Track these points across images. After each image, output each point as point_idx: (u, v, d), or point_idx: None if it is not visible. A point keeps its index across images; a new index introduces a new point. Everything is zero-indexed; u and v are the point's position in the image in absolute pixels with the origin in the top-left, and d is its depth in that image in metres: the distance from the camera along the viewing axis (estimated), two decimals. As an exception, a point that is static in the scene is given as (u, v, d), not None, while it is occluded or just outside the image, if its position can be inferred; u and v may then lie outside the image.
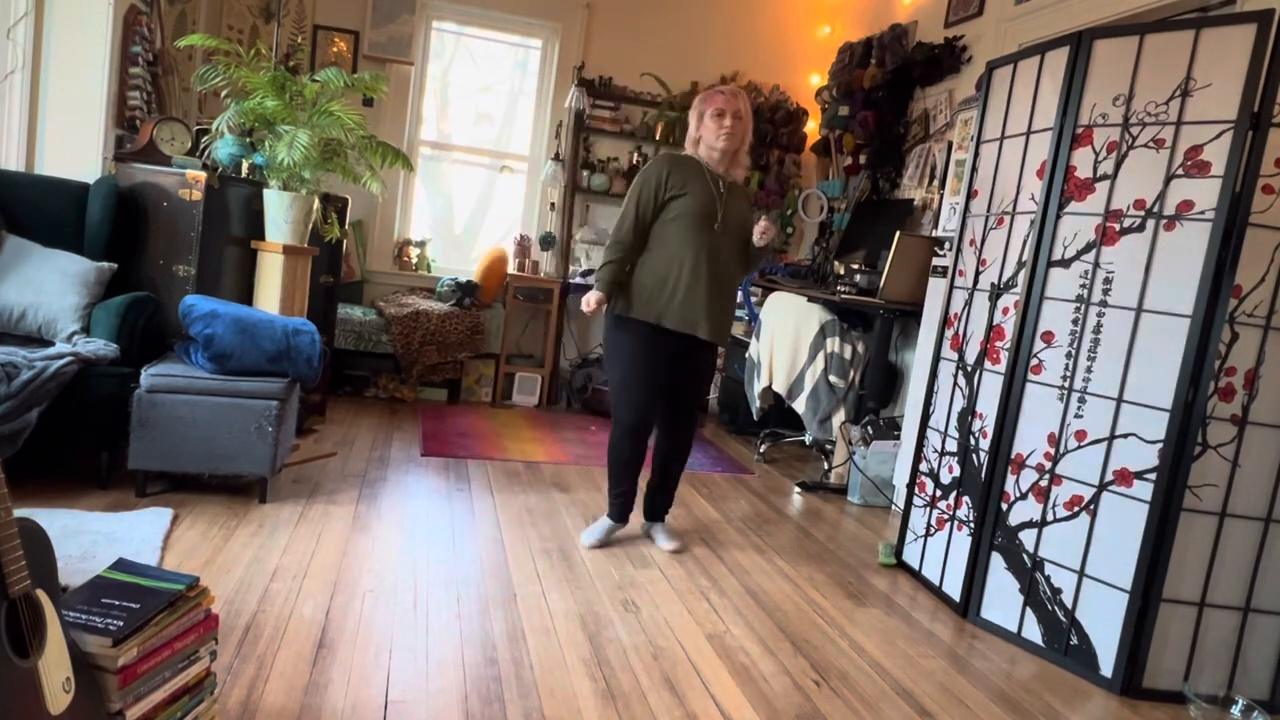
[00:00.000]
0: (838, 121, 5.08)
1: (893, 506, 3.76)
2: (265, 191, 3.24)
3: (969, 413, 2.78)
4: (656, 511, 3.05)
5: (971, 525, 2.72)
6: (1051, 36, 2.88)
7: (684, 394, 2.89)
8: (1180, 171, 2.27)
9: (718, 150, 2.75)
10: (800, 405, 4.17)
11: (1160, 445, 2.29)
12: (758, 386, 4.46)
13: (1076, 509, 2.45)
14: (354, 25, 5.06)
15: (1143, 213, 2.33)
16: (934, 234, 4.04)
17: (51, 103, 3.48)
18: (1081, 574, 2.43)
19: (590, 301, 2.76)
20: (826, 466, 4.10)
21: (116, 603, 1.39)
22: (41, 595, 1.22)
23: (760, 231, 2.77)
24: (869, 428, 3.85)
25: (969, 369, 2.80)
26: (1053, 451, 2.50)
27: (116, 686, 1.32)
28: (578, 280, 5.31)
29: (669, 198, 2.73)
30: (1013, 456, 2.60)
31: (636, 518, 3.08)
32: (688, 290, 2.71)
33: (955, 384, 2.87)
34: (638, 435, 2.84)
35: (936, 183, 4.33)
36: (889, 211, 4.63)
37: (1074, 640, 2.44)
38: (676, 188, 2.73)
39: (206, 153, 3.36)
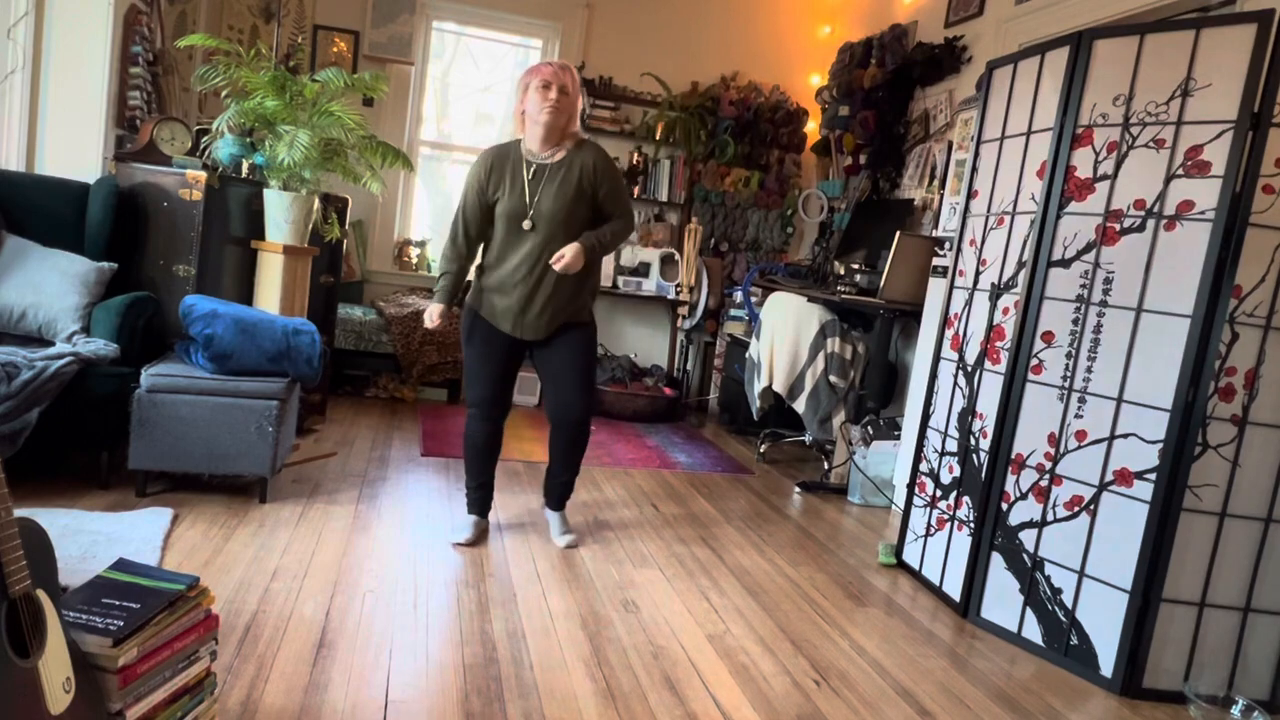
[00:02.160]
0: (838, 121, 5.08)
1: (893, 506, 3.76)
2: (265, 191, 3.24)
3: (969, 413, 2.78)
4: (552, 499, 2.98)
5: (972, 525, 2.72)
6: (1051, 36, 2.89)
7: (551, 386, 2.79)
8: (1180, 171, 2.27)
9: (541, 125, 2.60)
10: (800, 405, 4.17)
11: (1160, 445, 2.29)
12: (758, 386, 4.46)
13: (1077, 509, 2.45)
14: (354, 25, 5.06)
15: (1143, 213, 2.33)
16: (934, 234, 4.04)
17: (51, 103, 3.48)
18: (1081, 574, 2.43)
19: (433, 316, 2.73)
20: (826, 466, 4.10)
21: (117, 603, 1.39)
22: (42, 595, 1.22)
23: (559, 267, 2.58)
24: (869, 428, 3.85)
25: (969, 369, 2.80)
26: (1053, 451, 2.50)
27: (117, 686, 1.32)
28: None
29: (493, 196, 2.67)
30: (1013, 456, 2.60)
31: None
32: (509, 294, 2.67)
33: (955, 384, 2.87)
34: (484, 418, 2.78)
35: (936, 183, 4.33)
36: (889, 211, 4.63)
37: (1074, 640, 2.44)
38: (496, 185, 2.67)
39: (207, 153, 3.36)
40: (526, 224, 2.63)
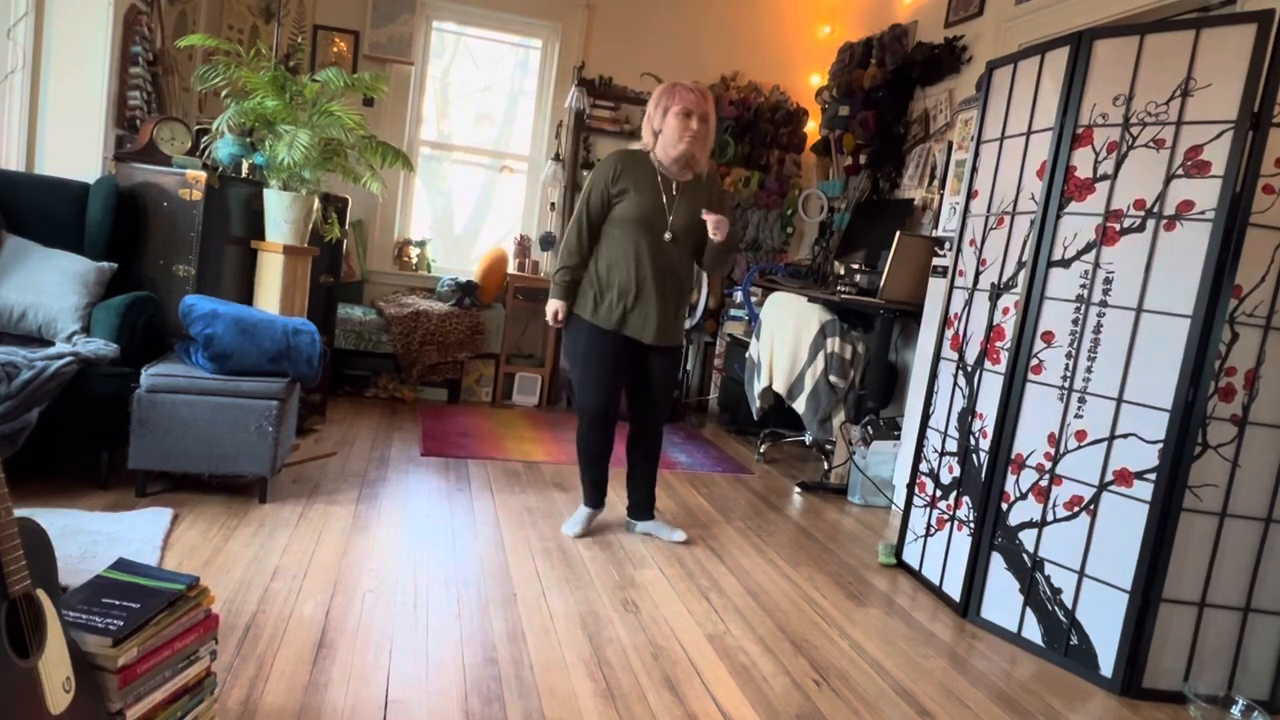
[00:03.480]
0: (838, 121, 5.08)
1: (893, 506, 3.76)
2: (265, 191, 3.24)
3: (969, 413, 2.78)
4: (640, 510, 3.06)
5: (971, 525, 2.72)
6: (1051, 36, 2.89)
7: (644, 394, 2.91)
8: (1180, 171, 2.27)
9: (677, 152, 2.68)
10: (800, 405, 4.17)
11: (1160, 445, 2.29)
12: (758, 386, 4.46)
13: (1076, 509, 2.45)
14: (354, 25, 5.06)
15: (1143, 213, 2.33)
16: (934, 234, 4.04)
17: (51, 103, 3.48)
18: (1081, 574, 2.43)
19: (559, 314, 2.81)
20: (826, 466, 4.10)
21: (116, 602, 1.39)
22: (42, 595, 1.22)
23: (714, 227, 2.69)
24: (869, 428, 3.85)
25: (969, 369, 2.80)
26: (1053, 451, 2.50)
27: (116, 686, 1.32)
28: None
29: (617, 198, 2.71)
30: (1013, 456, 2.60)
31: (616, 516, 3.07)
32: (635, 299, 2.74)
33: (955, 384, 2.87)
34: (600, 427, 2.88)
35: (936, 183, 4.32)
36: (889, 211, 4.63)
37: (1074, 640, 2.44)
38: (624, 188, 2.69)
39: (206, 153, 3.36)
40: (667, 234, 2.72)
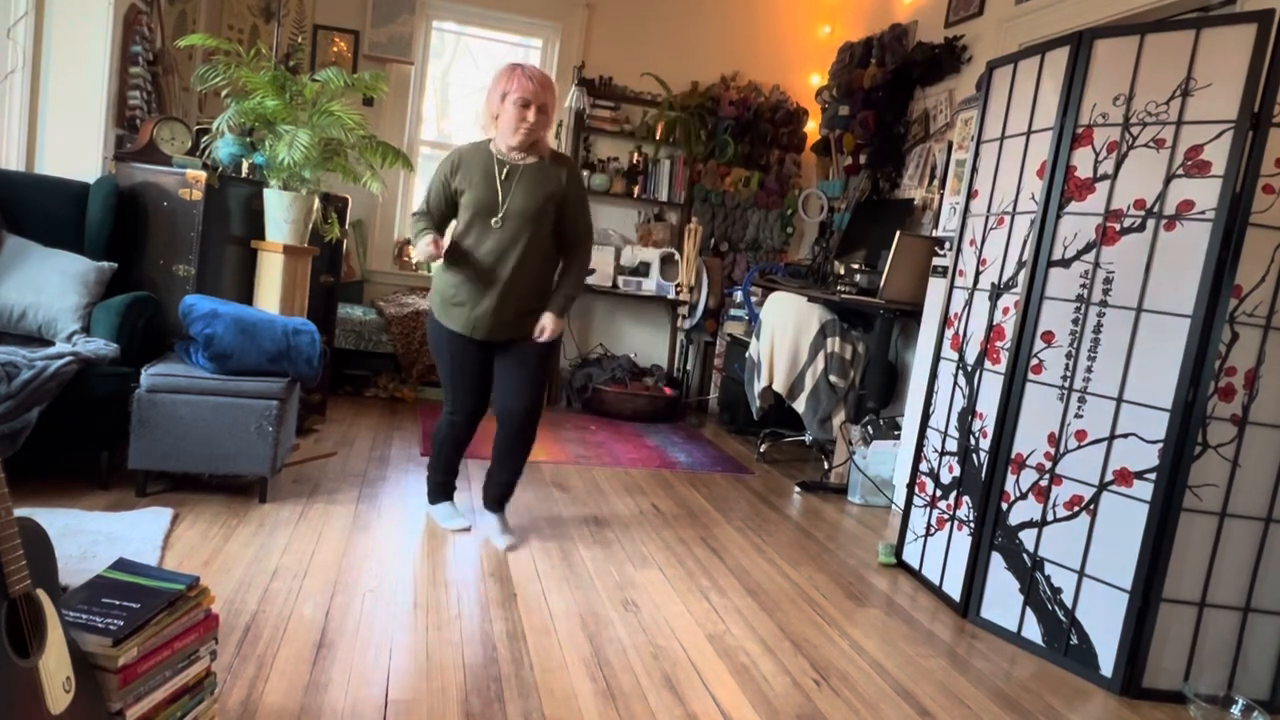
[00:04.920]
0: (838, 121, 5.08)
1: (893, 506, 3.76)
2: (265, 191, 3.24)
3: (969, 413, 2.78)
4: (495, 501, 2.95)
5: (971, 525, 2.72)
6: (1051, 36, 2.88)
7: (504, 387, 2.78)
8: (1180, 171, 2.27)
9: (515, 141, 2.59)
10: (800, 405, 4.17)
11: (1160, 445, 2.29)
12: (758, 386, 4.46)
13: (1076, 509, 2.45)
14: (354, 25, 5.06)
15: (1143, 213, 2.33)
16: (934, 234, 4.04)
17: (51, 103, 3.48)
18: (1081, 574, 2.43)
19: (428, 244, 2.58)
20: (826, 466, 4.10)
21: (117, 602, 1.39)
22: (42, 595, 1.22)
23: (538, 333, 2.69)
24: (869, 428, 3.85)
25: (969, 369, 2.80)
26: (1053, 451, 2.50)
27: (117, 686, 1.32)
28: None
29: (457, 195, 2.67)
30: (1013, 456, 2.60)
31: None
32: (473, 294, 2.65)
33: (955, 384, 2.87)
34: (456, 425, 2.84)
35: (936, 183, 4.32)
36: (889, 211, 4.63)
37: (1074, 640, 2.44)
38: (461, 185, 2.65)
39: (206, 152, 3.36)
40: (495, 221, 2.62)
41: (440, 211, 2.72)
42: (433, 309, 2.77)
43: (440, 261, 2.69)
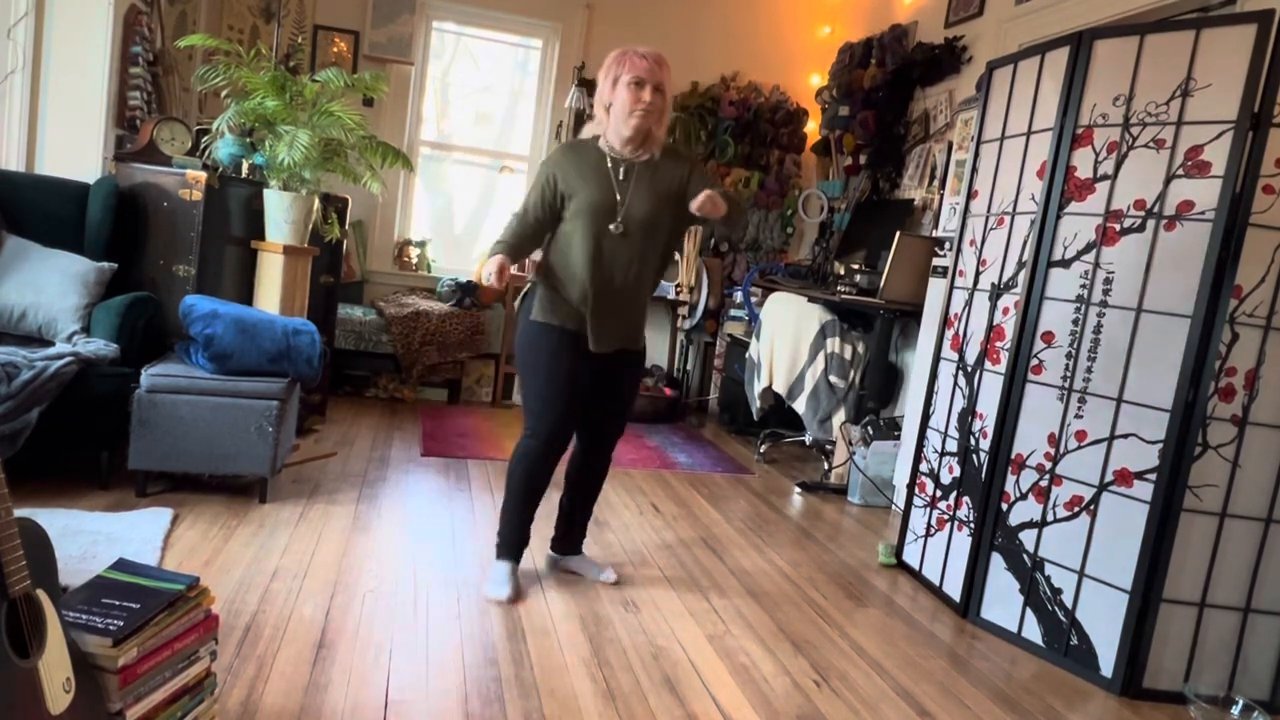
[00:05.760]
0: (838, 121, 5.08)
1: (893, 506, 3.76)
2: (265, 191, 3.24)
3: (969, 413, 2.78)
4: (574, 543, 2.68)
5: (972, 525, 2.72)
6: (1051, 36, 2.88)
7: (602, 408, 2.52)
8: (1180, 171, 2.27)
9: (629, 129, 2.32)
10: (800, 405, 4.17)
11: (1160, 445, 2.28)
12: (758, 387, 4.46)
13: (1077, 509, 2.45)
14: (354, 25, 5.06)
15: (1143, 213, 2.33)
16: (934, 234, 4.04)
17: (51, 103, 3.48)
18: (1081, 574, 2.43)
19: (493, 269, 2.26)
20: (826, 466, 4.10)
21: (116, 603, 1.39)
22: (42, 595, 1.22)
23: (696, 205, 2.26)
24: (869, 428, 3.85)
25: (969, 369, 2.80)
26: (1053, 452, 2.50)
27: (117, 686, 1.32)
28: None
29: (564, 198, 2.38)
30: (1013, 457, 2.60)
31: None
32: (588, 299, 2.36)
33: (955, 384, 2.87)
34: (554, 452, 2.45)
35: (936, 183, 4.33)
36: (889, 211, 4.63)
37: (1074, 640, 2.44)
38: (568, 188, 2.36)
39: (207, 153, 3.36)
40: (615, 226, 2.34)
41: (540, 220, 2.40)
42: (532, 311, 2.43)
43: (552, 256, 2.43)
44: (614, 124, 2.37)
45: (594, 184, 2.35)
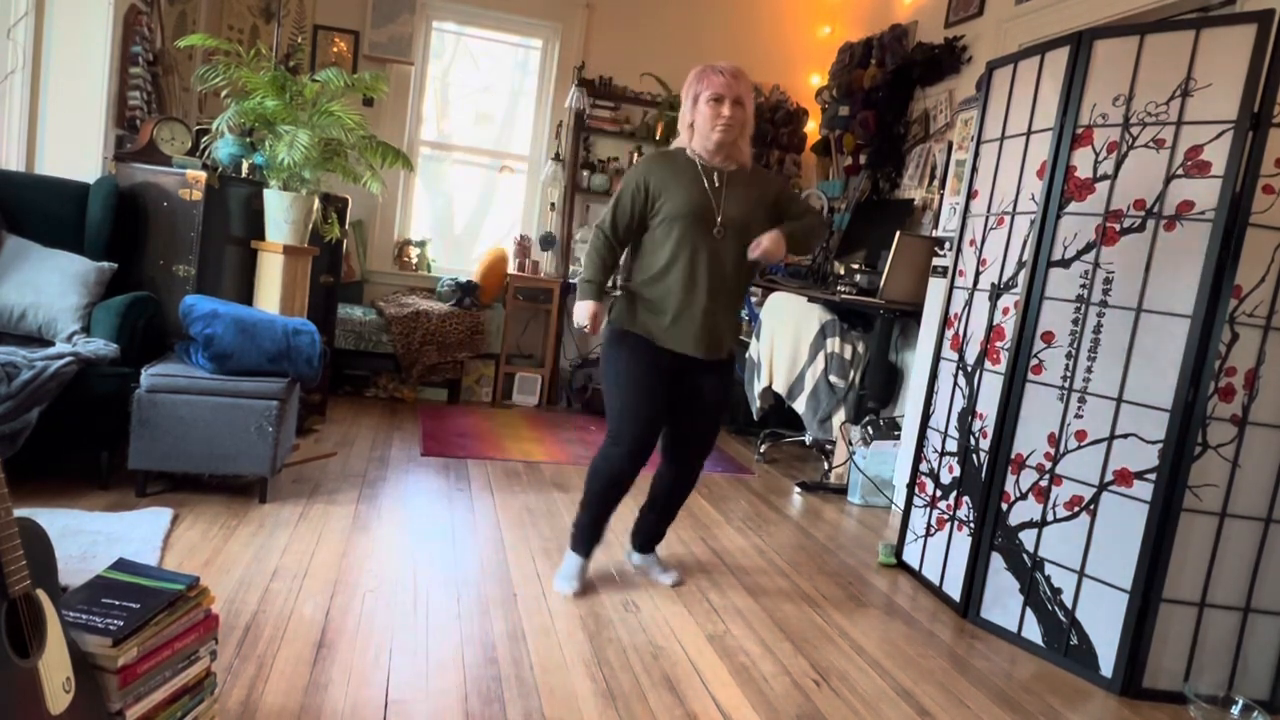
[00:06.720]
0: (838, 121, 5.08)
1: (893, 506, 3.76)
2: (265, 191, 3.24)
3: (969, 413, 2.78)
4: (650, 543, 2.74)
5: (971, 525, 2.72)
6: (1051, 36, 2.88)
7: (691, 417, 2.53)
8: (1180, 171, 2.27)
9: (712, 143, 2.39)
10: (800, 405, 4.17)
11: (1160, 445, 2.29)
12: (758, 386, 4.46)
13: (1076, 509, 2.45)
14: (354, 25, 5.06)
15: (1143, 213, 2.33)
16: (934, 234, 4.04)
17: (51, 103, 3.48)
18: (1081, 574, 2.43)
19: (584, 316, 2.42)
20: (826, 466, 4.10)
21: (116, 603, 1.39)
22: (42, 595, 1.22)
23: (753, 248, 2.39)
24: (869, 428, 3.85)
25: (969, 369, 2.80)
26: (1053, 451, 2.50)
27: (116, 686, 1.32)
28: (578, 280, 5.31)
29: (655, 204, 2.41)
30: (1013, 456, 2.60)
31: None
32: (680, 306, 2.39)
33: (955, 384, 2.87)
34: (637, 460, 2.45)
35: (936, 183, 4.33)
36: (889, 211, 4.63)
37: (1074, 640, 2.44)
38: (661, 193, 2.39)
39: (206, 153, 3.36)
40: (717, 230, 2.37)
41: (628, 232, 2.44)
42: (613, 319, 2.48)
43: (640, 263, 2.46)
44: (698, 140, 2.43)
45: (688, 189, 2.39)
